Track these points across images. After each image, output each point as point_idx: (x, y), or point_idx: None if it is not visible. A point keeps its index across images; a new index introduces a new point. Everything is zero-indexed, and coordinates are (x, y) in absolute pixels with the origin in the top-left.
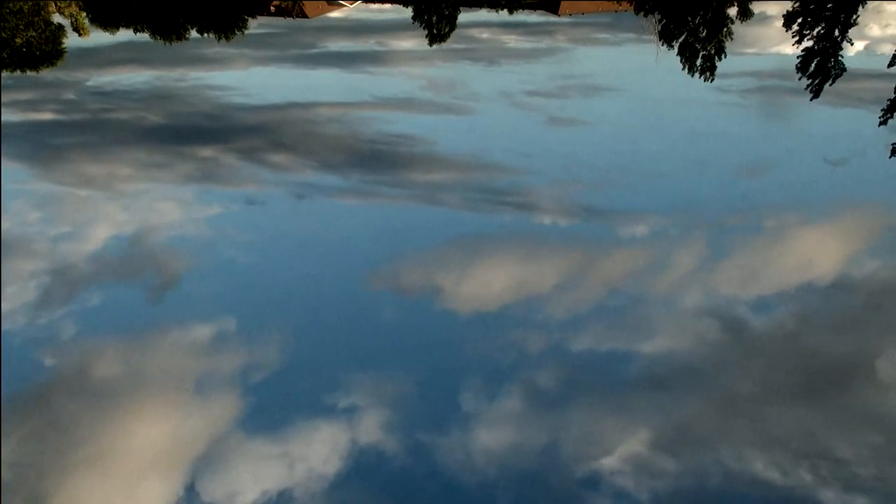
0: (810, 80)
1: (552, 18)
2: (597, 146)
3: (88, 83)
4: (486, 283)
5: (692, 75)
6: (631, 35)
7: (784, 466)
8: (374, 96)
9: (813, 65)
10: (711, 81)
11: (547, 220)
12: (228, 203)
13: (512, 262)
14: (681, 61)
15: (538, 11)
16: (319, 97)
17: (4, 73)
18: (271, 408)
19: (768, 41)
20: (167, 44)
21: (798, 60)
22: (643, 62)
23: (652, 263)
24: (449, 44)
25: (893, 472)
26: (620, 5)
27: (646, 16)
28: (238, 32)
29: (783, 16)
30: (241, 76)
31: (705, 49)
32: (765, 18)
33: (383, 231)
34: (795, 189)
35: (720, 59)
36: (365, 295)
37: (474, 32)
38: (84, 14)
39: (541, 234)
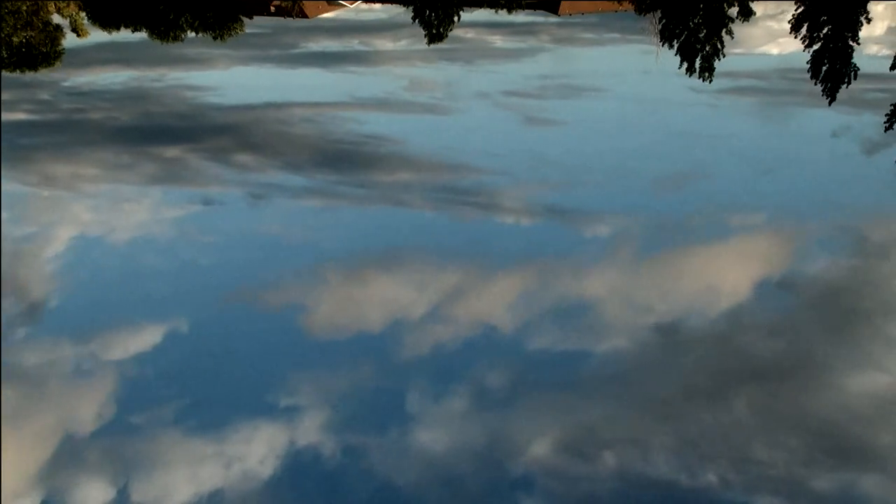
0: (823, 85)
1: (539, 19)
2: (569, 146)
3: (65, 83)
4: (429, 285)
5: (690, 75)
6: (616, 35)
7: (694, 468)
8: (352, 96)
9: (824, 68)
10: (710, 82)
11: (510, 219)
12: (186, 204)
13: (459, 263)
14: (680, 62)
15: (538, 11)
16: (297, 97)
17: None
18: (210, 407)
19: (753, 41)
20: (164, 43)
21: (808, 65)
22: (628, 62)
23: (603, 263)
24: (439, 44)
25: (802, 474)
26: (621, 5)
27: (644, 15)
28: (234, 32)
29: (789, 21)
30: (221, 76)
31: (704, 49)
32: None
33: (339, 231)
34: (744, 191)
35: (717, 59)
36: (311, 294)
37: (467, 33)
38: (83, 14)
39: (497, 233)
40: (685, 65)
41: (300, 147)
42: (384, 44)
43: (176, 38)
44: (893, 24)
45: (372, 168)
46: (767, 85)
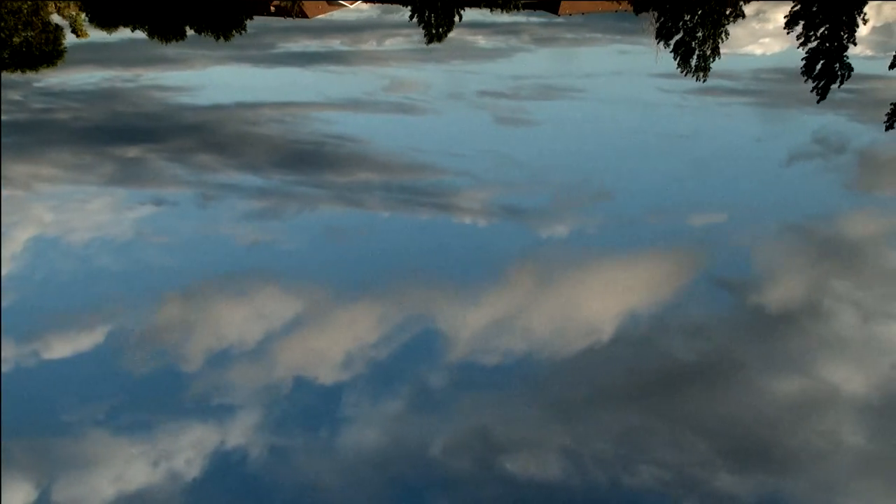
0: (815, 83)
1: (521, 19)
2: (536, 147)
3: (38, 84)
4: (359, 286)
5: (686, 74)
6: (598, 35)
7: (588, 469)
8: (327, 96)
9: (818, 67)
10: (704, 81)
11: (467, 219)
12: (137, 205)
13: (400, 262)
14: (676, 61)
15: (538, 12)
16: (271, 97)
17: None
18: (142, 406)
19: (735, 42)
20: (165, 44)
21: (803, 63)
22: (606, 62)
23: (544, 264)
24: (427, 45)
25: (700, 476)
26: (620, 5)
27: (642, 14)
28: (238, 32)
29: (785, 18)
30: (198, 76)
31: (701, 49)
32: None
33: (284, 232)
34: (699, 191)
35: (714, 59)
36: (246, 294)
37: (460, 33)
38: (83, 15)
39: (448, 233)
40: (683, 64)
41: (262, 147)
42: (374, 44)
43: (177, 39)
44: (878, 24)
45: (332, 168)
46: (737, 86)
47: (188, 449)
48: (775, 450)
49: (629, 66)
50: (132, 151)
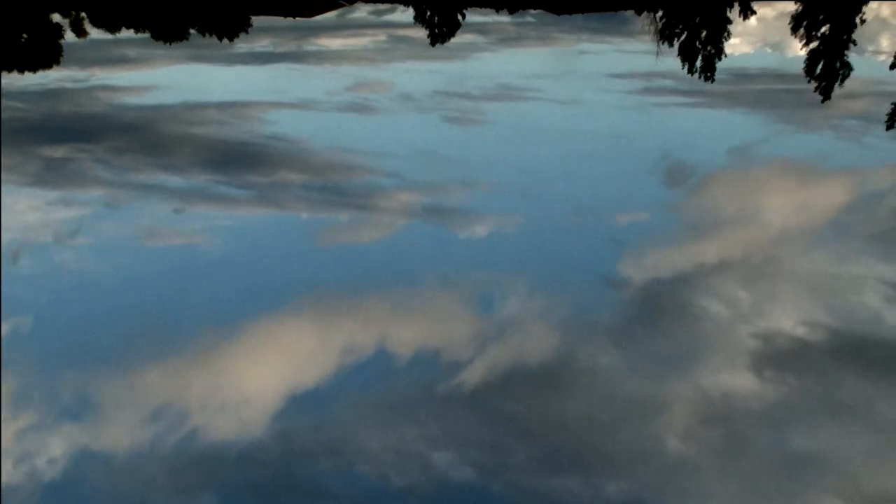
0: (818, 83)
1: (489, 19)
2: (478, 148)
3: None
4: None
5: (691, 75)
6: (568, 35)
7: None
8: (281, 96)
9: (819, 67)
10: (712, 82)
11: (384, 219)
12: (45, 206)
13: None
14: (681, 61)
15: (538, 11)
16: (224, 97)
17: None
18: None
19: None
20: (167, 45)
21: (804, 64)
22: (566, 63)
23: (452, 259)
24: (417, 45)
25: (512, 479)
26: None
27: (640, 13)
28: (243, 32)
29: (790, 22)
30: (154, 76)
31: (706, 49)
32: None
33: (203, 234)
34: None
35: (720, 59)
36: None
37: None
38: (83, 15)
39: (364, 234)
40: (686, 65)
41: (194, 147)
42: (355, 43)
43: (180, 39)
44: None
45: (252, 169)
46: (680, 86)
47: (54, 448)
48: (595, 453)
49: (585, 66)
50: (59, 151)
